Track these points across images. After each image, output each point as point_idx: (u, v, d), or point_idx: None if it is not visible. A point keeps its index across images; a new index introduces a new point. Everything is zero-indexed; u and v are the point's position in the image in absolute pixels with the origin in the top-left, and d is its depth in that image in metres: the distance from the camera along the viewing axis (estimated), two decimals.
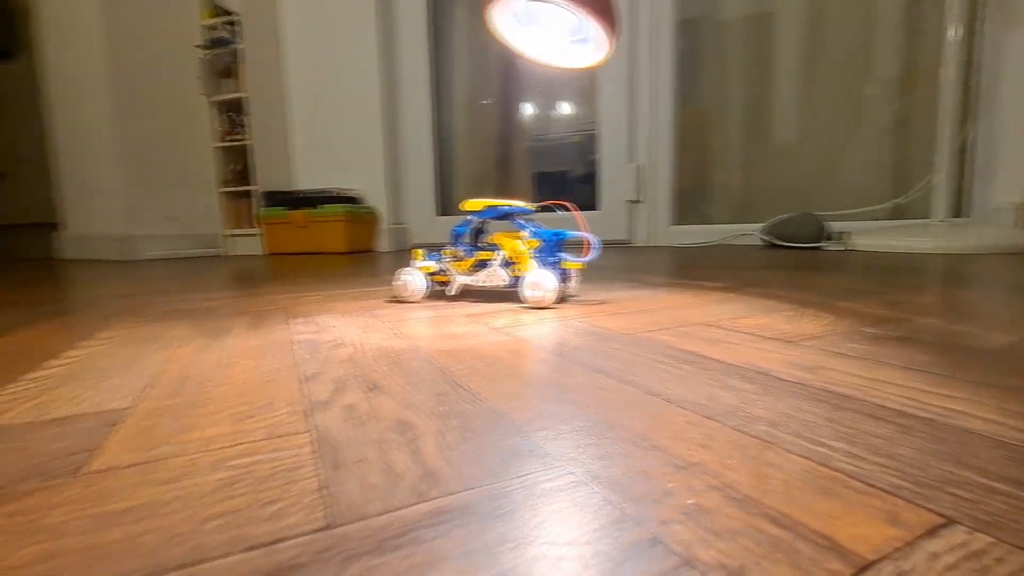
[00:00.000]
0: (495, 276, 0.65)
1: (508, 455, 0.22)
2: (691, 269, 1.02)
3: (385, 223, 2.18)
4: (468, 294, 0.70)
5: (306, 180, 2.30)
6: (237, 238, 2.30)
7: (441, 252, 0.68)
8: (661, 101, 1.90)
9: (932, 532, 0.16)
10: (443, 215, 2.25)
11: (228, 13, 2.13)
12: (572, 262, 0.64)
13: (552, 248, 0.64)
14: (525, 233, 0.63)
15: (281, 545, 0.16)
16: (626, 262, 1.23)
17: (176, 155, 2.17)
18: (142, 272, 1.36)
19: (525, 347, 0.41)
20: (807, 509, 0.17)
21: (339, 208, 2.00)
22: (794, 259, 1.20)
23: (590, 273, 0.98)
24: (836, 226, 1.56)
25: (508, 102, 2.31)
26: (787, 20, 1.80)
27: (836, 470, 0.20)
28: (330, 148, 2.24)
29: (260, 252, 2.19)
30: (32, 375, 0.36)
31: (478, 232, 0.68)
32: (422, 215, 2.25)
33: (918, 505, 0.17)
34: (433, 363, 0.37)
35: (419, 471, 0.21)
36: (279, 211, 2.08)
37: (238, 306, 0.67)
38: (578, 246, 0.64)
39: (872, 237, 1.42)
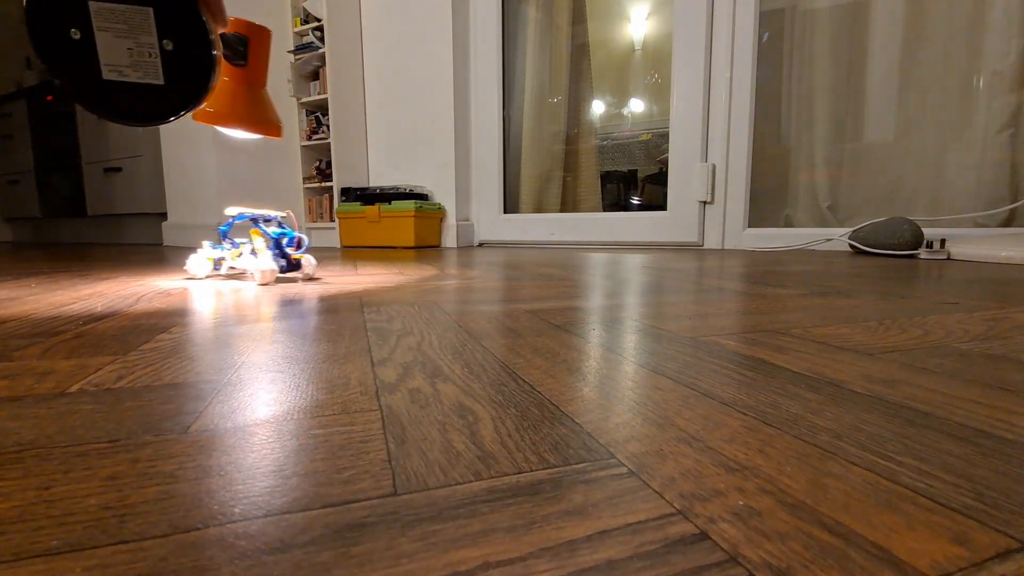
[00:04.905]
0: (248, 263, 0.88)
1: (560, 445, 0.23)
2: (764, 274, 0.97)
3: (451, 220, 2.24)
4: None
5: (380, 177, 2.41)
6: (316, 231, 2.45)
7: (220, 244, 0.93)
8: (740, 97, 1.81)
9: (1004, 555, 0.15)
10: (508, 212, 2.28)
11: (317, 20, 2.27)
12: (295, 253, 0.88)
13: (279, 243, 0.87)
14: (261, 232, 0.88)
15: (353, 505, 0.18)
16: (696, 265, 1.19)
17: (266, 152, 2.35)
18: None
19: (583, 344, 0.42)
20: (865, 520, 0.17)
21: (410, 204, 2.08)
22: (885, 267, 1.12)
23: (645, 277, 0.96)
24: (934, 232, 1.43)
25: (577, 100, 2.30)
26: (884, 7, 1.66)
27: (903, 486, 0.19)
28: (403, 147, 2.33)
29: (336, 245, 2.32)
30: (147, 346, 0.41)
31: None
32: (488, 212, 2.30)
33: (991, 528, 0.16)
34: (494, 355, 0.38)
35: (477, 452, 0.22)
36: (355, 206, 2.19)
37: (317, 291, 0.72)
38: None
39: (978, 246, 1.29)
